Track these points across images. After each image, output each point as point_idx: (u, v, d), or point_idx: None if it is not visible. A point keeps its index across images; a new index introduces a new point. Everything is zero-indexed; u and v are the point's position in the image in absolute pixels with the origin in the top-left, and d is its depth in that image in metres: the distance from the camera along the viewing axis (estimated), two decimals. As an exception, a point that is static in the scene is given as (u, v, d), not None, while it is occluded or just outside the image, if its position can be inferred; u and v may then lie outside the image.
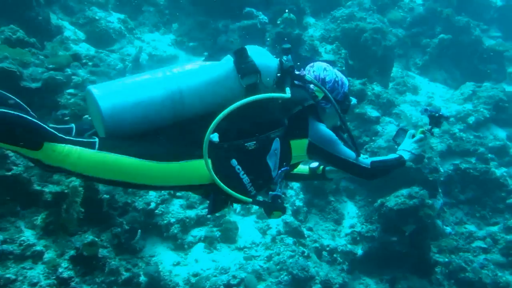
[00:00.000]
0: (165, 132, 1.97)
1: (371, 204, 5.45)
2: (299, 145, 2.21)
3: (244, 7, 6.24)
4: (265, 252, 4.40)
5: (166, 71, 1.99)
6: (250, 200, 2.08)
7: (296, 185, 5.45)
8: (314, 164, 2.73)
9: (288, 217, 4.80)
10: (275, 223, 4.78)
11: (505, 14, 11.68)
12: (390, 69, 7.98)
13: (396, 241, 5.05)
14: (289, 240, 4.60)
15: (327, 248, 4.92)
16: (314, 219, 5.43)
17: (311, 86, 2.30)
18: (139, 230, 3.72)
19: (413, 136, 2.64)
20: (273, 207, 2.13)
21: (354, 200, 5.76)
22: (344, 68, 6.46)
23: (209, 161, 1.92)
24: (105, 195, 3.38)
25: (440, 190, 5.66)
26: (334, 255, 4.93)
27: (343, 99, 2.43)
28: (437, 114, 2.66)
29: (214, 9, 6.38)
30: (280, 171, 2.16)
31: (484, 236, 5.71)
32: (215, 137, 1.91)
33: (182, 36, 6.29)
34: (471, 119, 7.17)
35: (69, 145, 1.76)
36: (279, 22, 6.23)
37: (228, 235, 4.38)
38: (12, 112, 1.67)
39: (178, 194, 4.39)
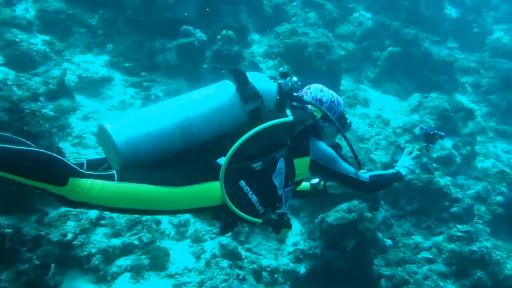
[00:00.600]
0: (176, 159, 2.09)
1: (314, 220, 5.40)
2: (301, 163, 2.36)
3: (182, 26, 6.20)
4: (198, 277, 4.25)
5: (174, 101, 2.14)
6: (260, 221, 2.21)
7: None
8: (315, 181, 2.90)
9: (224, 238, 4.69)
10: (211, 246, 4.66)
11: (460, 25, 12.35)
12: (338, 83, 8.07)
13: (338, 257, 5.00)
14: (225, 263, 4.48)
15: (268, 269, 4.82)
16: (257, 239, 5.33)
17: (310, 106, 2.47)
18: (53, 265, 3.53)
19: (410, 153, 2.83)
20: (281, 225, 2.25)
21: (298, 217, 5.70)
22: (286, 84, 6.47)
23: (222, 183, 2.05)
24: (7, 229, 3.20)
25: (382, 203, 5.67)
26: (275, 275, 4.83)
27: (339, 118, 2.60)
28: (431, 132, 2.87)
29: (150, 28, 6.33)
30: (286, 190, 2.29)
31: (430, 246, 5.72)
32: (222, 160, 2.07)
33: (118, 57, 6.17)
34: (417, 130, 7.26)
35: (90, 179, 1.83)
36: (217, 39, 6.20)
37: (158, 263, 4.22)
38: (37, 149, 1.75)
39: (102, 222, 4.23)
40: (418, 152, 2.84)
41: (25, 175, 1.69)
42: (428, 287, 4.92)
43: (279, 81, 2.37)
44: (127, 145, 1.95)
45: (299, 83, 2.47)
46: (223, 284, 4.17)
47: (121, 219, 4.31)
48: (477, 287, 5.00)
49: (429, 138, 2.89)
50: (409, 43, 9.72)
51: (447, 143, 7.33)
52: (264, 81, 2.30)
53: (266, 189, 2.22)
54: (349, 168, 2.48)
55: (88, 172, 1.84)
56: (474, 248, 5.17)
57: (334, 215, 5.07)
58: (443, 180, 6.42)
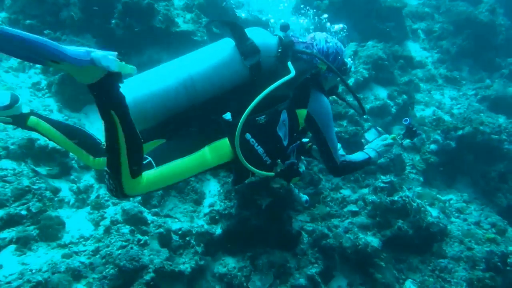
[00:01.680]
0: (183, 118, 2.27)
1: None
2: (301, 114, 2.49)
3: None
4: (93, 246, 4.12)
5: (177, 61, 2.31)
6: (272, 174, 2.41)
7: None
8: (305, 139, 3.03)
9: (127, 203, 4.53)
10: (113, 212, 4.50)
11: None
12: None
13: (253, 215, 4.92)
14: (126, 229, 4.34)
15: (179, 232, 4.70)
16: (173, 201, 5.19)
17: (315, 59, 2.52)
18: None
19: (385, 140, 2.97)
20: (291, 174, 2.43)
21: (218, 177, 5.56)
22: (206, 38, 6.16)
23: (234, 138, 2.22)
24: None
25: (302, 158, 5.55)
26: (187, 238, 4.73)
27: (341, 65, 2.73)
28: (414, 129, 2.99)
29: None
30: (292, 146, 2.46)
31: (356, 199, 5.70)
32: (228, 115, 2.25)
33: (17, 14, 5.74)
34: (350, 81, 7.10)
35: (142, 174, 2.10)
36: (126, -9, 5.79)
37: (49, 232, 4.05)
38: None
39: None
40: (392, 141, 2.96)
41: (128, 149, 1.94)
42: (347, 239, 4.90)
43: (280, 34, 2.47)
44: (135, 104, 2.13)
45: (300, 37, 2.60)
46: (120, 251, 4.04)
47: (7, 189, 4.09)
48: (398, 236, 5.02)
49: (410, 133, 3.00)
50: (352, -12, 9.38)
51: (382, 93, 7.21)
52: (263, 35, 2.39)
53: (271, 140, 2.36)
54: (333, 142, 2.60)
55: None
56: (396, 198, 5.14)
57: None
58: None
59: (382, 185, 5.36)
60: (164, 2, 6.16)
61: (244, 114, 2.18)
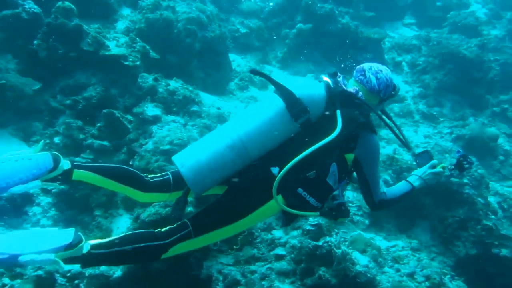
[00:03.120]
0: (237, 177, 2.48)
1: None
2: (349, 158, 2.61)
3: (10, -3, 5.68)
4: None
5: (226, 125, 2.54)
6: (318, 213, 2.57)
7: (46, 200, 4.88)
8: None
9: None
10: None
11: (419, 1, 11.82)
12: (224, 63, 7.58)
13: (156, 257, 4.53)
14: (-2, 270, 3.99)
15: (68, 274, 4.34)
16: (74, 238, 4.84)
17: (362, 104, 2.68)
18: None
19: (434, 167, 2.97)
20: (339, 215, 2.56)
21: (131, 212, 5.20)
22: (138, 63, 5.96)
23: (280, 197, 2.46)
24: None
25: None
26: (76, 282, 4.35)
27: (391, 92, 2.87)
28: (465, 162, 2.97)
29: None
30: (342, 183, 2.59)
31: (285, 242, 5.27)
32: (275, 170, 2.43)
33: None
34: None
35: (173, 247, 2.38)
36: (52, 12, 5.68)
37: None
38: (139, 245, 2.34)
39: None
40: (441, 170, 2.96)
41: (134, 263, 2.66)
42: (261, 287, 4.46)
43: (326, 81, 2.64)
44: (197, 183, 2.39)
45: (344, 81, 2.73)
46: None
47: None
48: (319, 285, 4.56)
49: (460, 165, 2.97)
50: (324, 19, 9.22)
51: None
52: (310, 89, 2.54)
53: (322, 190, 2.52)
54: (374, 180, 2.72)
55: (170, 240, 2.37)
56: (320, 243, 4.70)
57: (149, 211, 4.59)
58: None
59: (308, 227, 4.93)
60: (97, 25, 6.02)
61: (280, 174, 2.39)
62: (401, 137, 2.86)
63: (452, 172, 2.98)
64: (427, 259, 5.53)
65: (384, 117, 2.81)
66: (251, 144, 2.41)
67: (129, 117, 5.46)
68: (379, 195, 2.79)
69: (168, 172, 2.78)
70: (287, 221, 2.64)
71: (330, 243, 4.65)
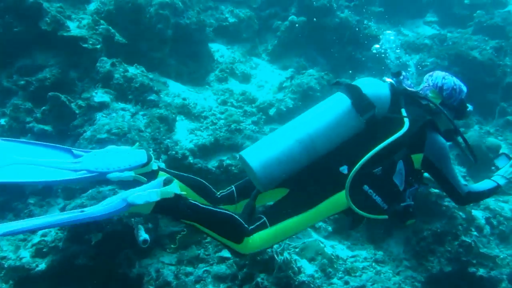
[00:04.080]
0: (305, 174, 2.59)
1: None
2: (417, 159, 2.65)
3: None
4: None
5: (293, 121, 2.68)
6: (386, 217, 2.62)
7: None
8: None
9: None
10: None
11: None
12: (203, 52, 7.28)
13: (82, 251, 4.29)
14: None
15: (-15, 264, 4.15)
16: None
17: (428, 94, 2.87)
18: None
19: None
20: (407, 217, 2.60)
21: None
22: (99, 47, 5.72)
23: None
24: None
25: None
26: (-2, 274, 4.16)
27: (459, 105, 2.94)
28: None
29: None
30: (410, 190, 2.64)
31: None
32: (345, 169, 2.54)
33: None
34: (272, 111, 6.46)
35: (253, 235, 2.51)
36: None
37: None
38: (226, 213, 2.53)
39: None
40: None
41: (216, 232, 2.46)
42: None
43: (391, 81, 2.76)
44: (266, 176, 2.50)
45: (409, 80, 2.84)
46: None
47: None
48: (256, 295, 4.22)
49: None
50: (320, 12, 8.80)
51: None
52: (375, 87, 2.64)
53: (388, 189, 2.58)
54: (454, 177, 2.73)
55: (251, 228, 2.53)
56: (263, 248, 4.34)
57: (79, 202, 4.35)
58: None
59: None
60: (59, 4, 5.82)
61: (354, 170, 2.49)
62: (467, 145, 2.88)
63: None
64: (391, 272, 5.12)
65: (450, 119, 2.81)
66: (318, 139, 2.50)
67: (80, 102, 5.23)
68: (464, 188, 2.78)
69: (232, 185, 2.99)
70: (354, 223, 2.72)
71: (272, 249, 4.31)
